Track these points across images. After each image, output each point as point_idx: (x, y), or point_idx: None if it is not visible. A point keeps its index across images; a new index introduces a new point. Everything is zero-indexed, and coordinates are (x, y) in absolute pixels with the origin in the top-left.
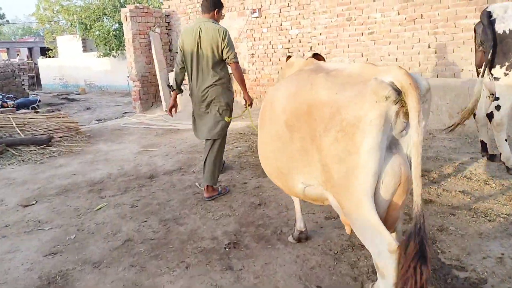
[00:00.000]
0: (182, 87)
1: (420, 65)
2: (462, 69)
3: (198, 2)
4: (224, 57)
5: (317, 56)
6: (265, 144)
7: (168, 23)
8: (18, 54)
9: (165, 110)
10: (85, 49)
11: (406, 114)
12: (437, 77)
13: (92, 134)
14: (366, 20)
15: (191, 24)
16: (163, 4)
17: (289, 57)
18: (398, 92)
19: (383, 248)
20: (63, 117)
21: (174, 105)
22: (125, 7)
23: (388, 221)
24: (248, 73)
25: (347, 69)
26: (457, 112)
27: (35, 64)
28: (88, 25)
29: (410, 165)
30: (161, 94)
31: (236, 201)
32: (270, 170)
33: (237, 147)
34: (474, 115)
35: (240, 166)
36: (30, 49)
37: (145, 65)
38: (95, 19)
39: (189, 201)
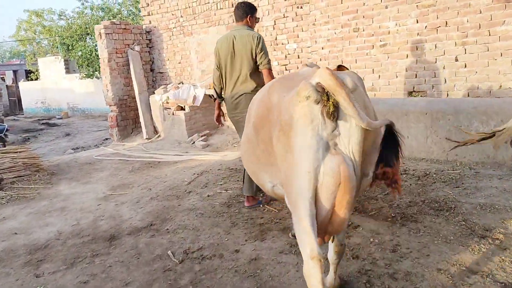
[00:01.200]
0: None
1: (445, 81)
2: (500, 86)
3: (181, 17)
4: (258, 63)
5: (341, 68)
6: (242, 145)
7: (149, 40)
8: (3, 78)
9: (146, 138)
10: (68, 70)
11: (333, 114)
12: (468, 95)
13: (57, 170)
14: (377, 30)
15: (226, 33)
16: (143, 20)
17: (339, 66)
18: (321, 92)
19: (305, 253)
20: (21, 151)
21: (219, 114)
22: None
23: (334, 223)
24: None
25: (305, 73)
26: (505, 141)
27: (17, 87)
28: (70, 46)
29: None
30: (141, 119)
31: (222, 286)
32: (249, 171)
33: (226, 190)
34: None
35: (230, 220)
36: (15, 72)
37: (123, 87)
38: (77, 39)
39: (156, 284)
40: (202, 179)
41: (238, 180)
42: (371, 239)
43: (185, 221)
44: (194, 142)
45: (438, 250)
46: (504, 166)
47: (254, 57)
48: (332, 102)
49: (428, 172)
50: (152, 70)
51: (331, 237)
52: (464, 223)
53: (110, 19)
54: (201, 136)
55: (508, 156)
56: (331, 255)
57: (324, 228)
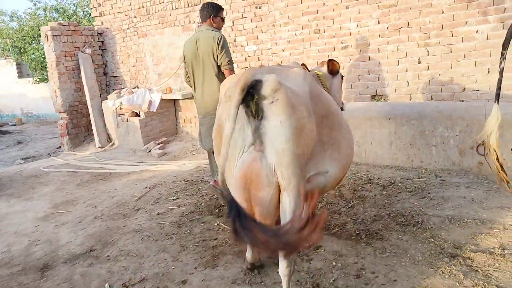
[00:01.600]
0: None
1: (408, 84)
2: (464, 89)
3: (135, 17)
4: (219, 63)
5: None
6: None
7: (102, 42)
8: None
9: (98, 147)
10: (21, 74)
11: (256, 113)
12: (432, 99)
13: None
14: (338, 31)
15: (192, 34)
16: (95, 21)
17: (303, 65)
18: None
19: None
20: None
21: None
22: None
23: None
24: None
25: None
26: (470, 147)
27: None
28: (22, 48)
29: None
30: (94, 127)
31: None
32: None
33: (179, 207)
34: None
35: (180, 243)
36: None
37: (74, 92)
38: (30, 42)
39: None
40: (153, 193)
41: (193, 194)
42: (334, 263)
43: (128, 245)
44: (150, 151)
45: (406, 273)
46: (470, 173)
47: (216, 58)
48: (256, 102)
49: (393, 181)
50: (105, 74)
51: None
52: (432, 240)
53: (65, 21)
54: (158, 144)
55: (474, 163)
56: (280, 268)
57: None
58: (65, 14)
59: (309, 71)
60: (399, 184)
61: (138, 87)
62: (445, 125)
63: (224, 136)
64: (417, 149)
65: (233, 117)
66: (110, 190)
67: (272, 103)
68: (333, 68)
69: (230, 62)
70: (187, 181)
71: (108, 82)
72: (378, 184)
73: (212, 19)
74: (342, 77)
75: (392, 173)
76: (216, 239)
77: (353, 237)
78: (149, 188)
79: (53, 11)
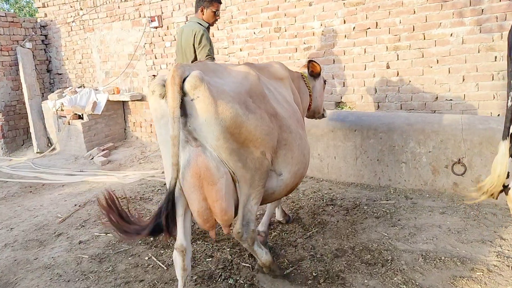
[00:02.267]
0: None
1: (376, 91)
2: (436, 98)
3: (81, 9)
4: (198, 58)
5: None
6: None
7: (45, 36)
8: None
9: (37, 152)
10: None
11: (183, 109)
12: (401, 108)
13: None
14: (300, 30)
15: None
16: (38, 12)
17: (310, 61)
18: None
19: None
20: None
21: None
22: None
23: (216, 215)
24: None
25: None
26: (445, 165)
27: None
28: None
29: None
30: (32, 129)
31: None
32: None
33: (106, 233)
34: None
35: (97, 287)
36: None
37: (11, 91)
38: None
39: None
40: (82, 213)
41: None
42: None
43: None
44: (93, 158)
45: None
46: (444, 195)
47: (194, 51)
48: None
49: (358, 203)
50: (49, 71)
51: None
52: (405, 286)
53: (15, 12)
54: (102, 150)
55: (448, 184)
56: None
57: (209, 220)
58: (16, 5)
59: (314, 71)
60: (365, 207)
61: (84, 86)
62: (416, 140)
63: (171, 137)
64: (385, 165)
65: (178, 118)
66: (35, 207)
67: (193, 100)
68: (313, 70)
69: (210, 56)
70: (124, 198)
71: (52, 80)
72: (341, 206)
73: (202, 10)
74: (325, 81)
75: (357, 192)
76: (142, 280)
77: (310, 281)
78: (79, 206)
79: (3, 2)
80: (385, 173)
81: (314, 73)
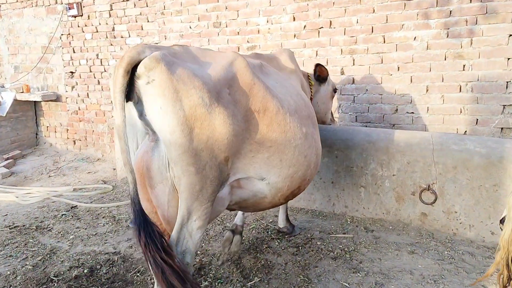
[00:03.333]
0: None
1: None
2: (396, 110)
3: None
4: None
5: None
6: None
7: None
8: None
9: None
10: None
11: (133, 96)
12: (356, 120)
13: None
14: (243, 27)
15: None
16: None
17: (318, 65)
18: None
19: None
20: None
21: None
22: None
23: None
24: (66, 101)
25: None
26: (412, 192)
27: None
28: None
29: None
30: None
31: None
32: None
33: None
34: None
35: None
36: None
37: None
38: None
39: None
40: None
41: (10, 256)
42: None
43: None
44: None
45: None
46: (410, 228)
47: None
48: (134, 82)
49: (310, 236)
50: None
51: None
52: None
53: None
54: (5, 160)
55: (415, 214)
56: None
57: (160, 225)
58: None
59: (321, 75)
60: (318, 243)
61: None
62: (379, 161)
63: (116, 128)
64: (341, 189)
65: (121, 104)
66: None
67: (148, 83)
68: (320, 74)
69: None
70: (15, 227)
71: None
72: (289, 241)
73: None
74: (335, 90)
75: (308, 220)
76: None
77: None
78: None
79: None
80: (340, 199)
81: (321, 78)
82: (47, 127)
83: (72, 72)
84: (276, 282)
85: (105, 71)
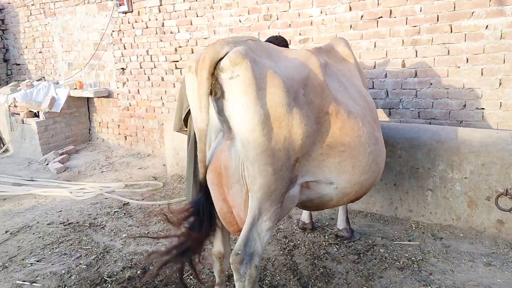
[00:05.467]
0: None
1: (388, 95)
2: (464, 105)
3: None
4: None
5: None
6: None
7: (2, 20)
8: None
9: None
10: None
11: (216, 91)
12: (419, 117)
13: None
14: (295, 19)
15: None
16: None
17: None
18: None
19: None
20: None
21: None
22: None
23: (225, 222)
24: (117, 97)
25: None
26: (486, 197)
27: None
28: None
29: None
30: None
31: None
32: None
33: (32, 282)
34: None
35: None
36: None
37: None
38: None
39: None
40: (11, 246)
41: (65, 254)
42: None
43: None
44: (48, 163)
45: None
46: (484, 237)
47: None
48: (216, 76)
49: (371, 243)
50: (6, 60)
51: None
52: None
53: None
54: (60, 155)
55: (490, 221)
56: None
57: (233, 224)
58: None
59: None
60: (381, 251)
61: (44, 79)
62: (448, 162)
63: (198, 130)
64: (404, 192)
65: (206, 108)
66: None
67: (232, 79)
68: None
69: None
70: (70, 223)
71: (9, 71)
72: (349, 247)
73: None
74: None
75: (368, 225)
76: None
77: None
78: (10, 233)
79: None
80: (404, 202)
81: None
82: (100, 122)
83: (123, 69)
84: None
85: (155, 67)
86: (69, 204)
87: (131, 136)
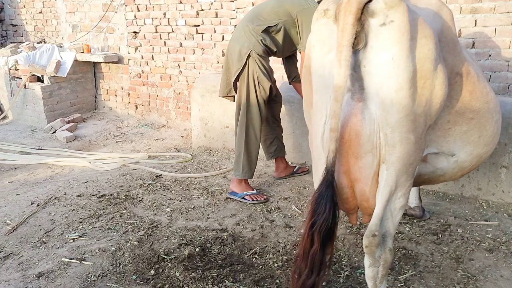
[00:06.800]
0: None
1: None
2: None
3: None
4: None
5: None
6: None
7: None
8: None
9: None
10: None
11: (357, 40)
12: None
13: None
14: None
15: None
16: None
17: None
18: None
19: None
20: None
21: None
22: None
23: (359, 198)
24: (128, 63)
25: None
26: None
27: None
28: None
29: None
30: None
31: None
32: None
33: (81, 260)
34: None
35: None
36: None
37: None
38: None
39: None
40: (42, 218)
41: (109, 229)
42: None
43: None
44: (55, 132)
45: None
46: None
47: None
48: (363, 22)
49: (445, 222)
50: (1, 20)
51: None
52: None
53: None
54: (67, 123)
55: None
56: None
57: (349, 201)
58: None
59: None
60: (459, 231)
61: (44, 42)
62: None
63: (334, 88)
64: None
65: (347, 61)
66: None
67: (384, 25)
68: None
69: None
70: (103, 195)
71: (5, 32)
72: (422, 227)
73: None
74: None
75: (433, 203)
76: None
77: None
78: (37, 205)
79: None
80: (472, 179)
81: None
82: (107, 90)
83: (135, 32)
84: (431, 277)
85: (172, 31)
86: (94, 175)
87: (142, 105)
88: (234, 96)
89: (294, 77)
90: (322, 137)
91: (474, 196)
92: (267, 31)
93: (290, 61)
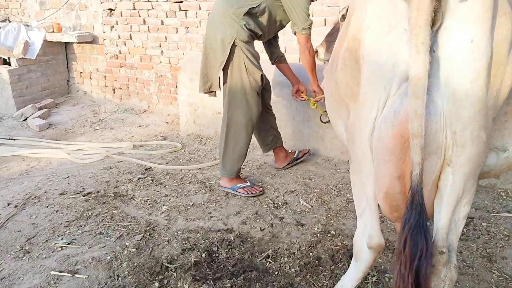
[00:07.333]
0: None
1: None
2: None
3: None
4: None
5: None
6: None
7: None
8: None
9: None
10: None
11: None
12: None
13: None
14: None
15: None
16: None
17: None
18: None
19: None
20: None
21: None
22: None
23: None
24: (104, 43)
25: None
26: None
27: None
28: None
29: None
30: None
31: None
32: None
33: (73, 273)
34: None
35: None
36: None
37: None
38: None
39: None
40: (22, 223)
41: (101, 233)
42: None
43: None
44: (26, 119)
45: None
46: None
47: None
48: None
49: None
50: None
51: None
52: None
53: None
54: (39, 109)
55: None
56: None
57: (400, 209)
58: None
59: None
60: (483, 225)
61: (9, 20)
62: None
63: (412, 78)
64: None
65: (426, 45)
66: None
67: (464, 1)
68: None
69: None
70: (89, 193)
71: None
72: None
73: None
74: None
75: None
76: None
77: None
78: (15, 206)
79: None
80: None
81: None
82: (81, 73)
83: (111, 9)
84: (466, 280)
85: (152, 8)
86: (75, 169)
87: (121, 89)
88: (215, 92)
89: (276, 57)
90: (371, 135)
91: (491, 185)
92: (249, 13)
93: (271, 40)
